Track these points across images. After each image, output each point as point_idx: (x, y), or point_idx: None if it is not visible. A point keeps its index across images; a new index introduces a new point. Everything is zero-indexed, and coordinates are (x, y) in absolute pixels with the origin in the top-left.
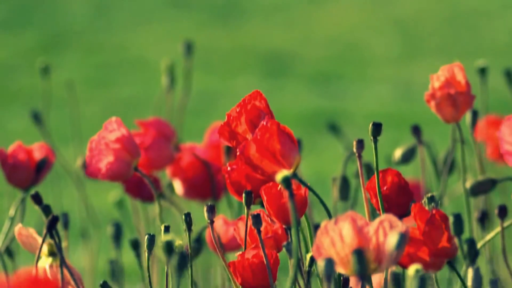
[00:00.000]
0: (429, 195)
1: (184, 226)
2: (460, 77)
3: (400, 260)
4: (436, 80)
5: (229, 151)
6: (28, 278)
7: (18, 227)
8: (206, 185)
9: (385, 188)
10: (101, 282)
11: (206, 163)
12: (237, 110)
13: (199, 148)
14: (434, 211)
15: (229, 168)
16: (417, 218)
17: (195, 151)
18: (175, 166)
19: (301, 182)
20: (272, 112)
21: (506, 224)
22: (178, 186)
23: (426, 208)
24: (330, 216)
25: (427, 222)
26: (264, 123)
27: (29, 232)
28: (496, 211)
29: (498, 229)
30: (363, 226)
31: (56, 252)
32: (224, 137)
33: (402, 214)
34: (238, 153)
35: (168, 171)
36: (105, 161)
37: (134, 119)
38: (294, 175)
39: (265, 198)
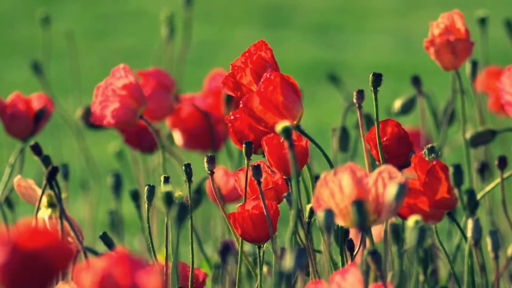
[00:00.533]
0: (429, 145)
1: (184, 177)
2: (459, 24)
3: (400, 211)
4: (436, 27)
5: (229, 100)
6: (28, 229)
7: (17, 179)
8: (206, 136)
9: (385, 139)
10: (101, 233)
11: (206, 114)
12: (242, 60)
13: (199, 98)
14: (434, 162)
15: (232, 117)
16: (417, 169)
17: (195, 102)
18: (175, 116)
19: (304, 134)
20: (277, 63)
21: (506, 175)
22: (178, 137)
23: (426, 159)
24: (332, 167)
25: (427, 173)
26: (268, 76)
27: (28, 183)
28: (496, 162)
29: (498, 180)
30: (363, 177)
31: (55, 203)
32: (228, 87)
33: (402, 165)
34: (241, 106)
35: (168, 122)
36: (111, 108)
37: (134, 70)
38: (298, 127)
39: (266, 148)
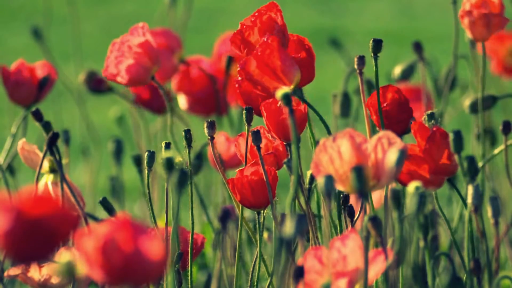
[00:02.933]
0: (429, 112)
1: (184, 142)
2: None
3: (400, 177)
4: None
5: (230, 65)
6: (32, 196)
7: (21, 142)
8: (211, 100)
9: (385, 104)
10: (101, 198)
11: (211, 77)
12: (252, 19)
13: (206, 62)
14: (434, 128)
15: (239, 78)
16: (417, 135)
17: (202, 65)
18: (181, 80)
19: (302, 99)
20: (285, 25)
21: (509, 142)
22: (183, 101)
23: (426, 125)
24: (329, 133)
25: (427, 139)
26: (265, 39)
27: (32, 147)
28: (500, 127)
29: (502, 147)
30: (362, 143)
31: (56, 169)
32: (236, 45)
33: (402, 131)
34: (238, 69)
35: (173, 85)
36: (125, 64)
37: None
38: (295, 91)
39: (265, 114)
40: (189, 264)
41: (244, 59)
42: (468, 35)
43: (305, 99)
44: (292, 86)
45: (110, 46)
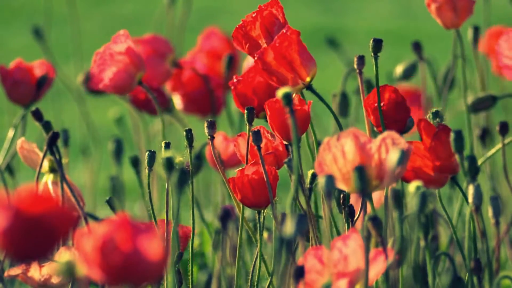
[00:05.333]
0: (433, 110)
1: (185, 142)
2: None
3: (404, 175)
4: None
5: (230, 64)
6: (31, 194)
7: (20, 140)
8: (205, 100)
9: (382, 104)
10: (107, 198)
11: (205, 78)
12: (253, 15)
13: (197, 60)
14: (441, 126)
15: (235, 80)
16: (423, 132)
17: (195, 66)
18: (175, 81)
19: (316, 93)
20: (287, 21)
21: (506, 141)
22: (178, 101)
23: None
24: (341, 129)
25: (433, 137)
26: (284, 31)
27: (31, 146)
28: (497, 128)
29: (499, 145)
30: (366, 142)
31: (56, 169)
32: (237, 40)
33: (400, 130)
34: (256, 58)
35: (168, 87)
36: (108, 71)
37: (135, 36)
38: (310, 86)
39: (268, 113)
40: (190, 264)
41: (262, 48)
42: (439, 23)
43: (318, 93)
44: (308, 79)
45: (94, 56)
